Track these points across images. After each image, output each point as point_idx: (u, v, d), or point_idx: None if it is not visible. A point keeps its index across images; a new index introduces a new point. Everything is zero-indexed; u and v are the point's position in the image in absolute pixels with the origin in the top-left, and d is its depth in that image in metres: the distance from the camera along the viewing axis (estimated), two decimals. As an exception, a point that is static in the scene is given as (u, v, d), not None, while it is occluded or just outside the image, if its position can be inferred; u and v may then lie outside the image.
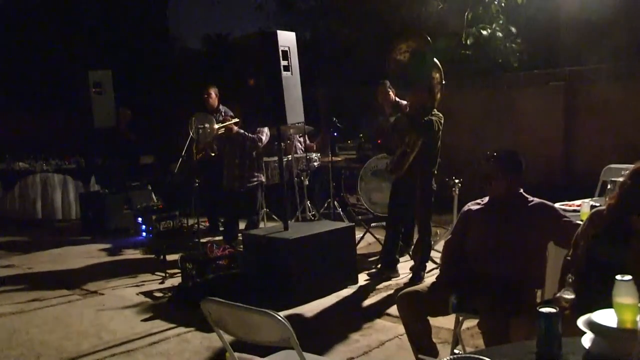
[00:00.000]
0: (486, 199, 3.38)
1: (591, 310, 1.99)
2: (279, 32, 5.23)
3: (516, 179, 3.26)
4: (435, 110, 5.28)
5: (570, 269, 2.72)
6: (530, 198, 3.28)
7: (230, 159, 6.48)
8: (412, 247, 5.89)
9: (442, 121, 5.28)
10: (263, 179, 6.66)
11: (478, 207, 3.38)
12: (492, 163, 3.27)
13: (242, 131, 6.34)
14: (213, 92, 7.50)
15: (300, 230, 5.44)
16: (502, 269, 3.12)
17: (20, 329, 4.75)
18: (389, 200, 5.85)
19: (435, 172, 5.47)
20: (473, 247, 3.29)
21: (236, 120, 6.44)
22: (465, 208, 3.45)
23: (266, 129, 6.42)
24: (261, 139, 6.40)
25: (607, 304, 1.95)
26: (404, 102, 6.23)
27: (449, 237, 3.59)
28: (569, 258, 2.80)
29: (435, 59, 5.23)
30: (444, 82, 5.29)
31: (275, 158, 6.60)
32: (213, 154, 6.87)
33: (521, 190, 3.31)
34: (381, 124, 6.59)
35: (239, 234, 6.53)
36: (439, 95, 5.30)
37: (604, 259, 2.61)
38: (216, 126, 6.30)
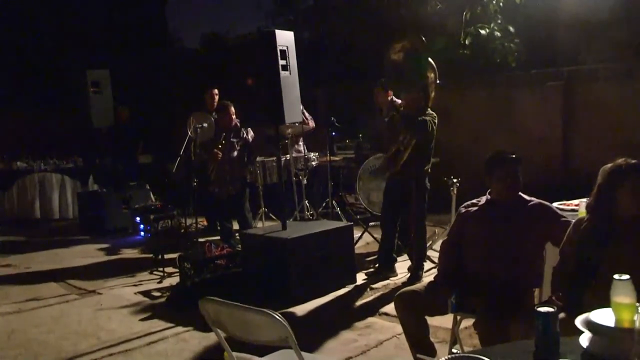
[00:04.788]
0: (483, 199, 3.37)
1: (583, 312, 2.00)
2: (277, 31, 5.23)
3: (488, 179, 3.26)
4: (429, 109, 5.29)
5: (560, 274, 2.76)
6: (529, 198, 3.27)
7: (220, 165, 6.47)
8: (409, 246, 5.90)
9: (436, 121, 5.29)
10: (249, 177, 6.84)
11: (475, 207, 3.37)
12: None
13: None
14: (215, 93, 7.51)
15: (298, 229, 5.44)
16: (500, 269, 3.12)
17: (18, 329, 4.74)
18: (383, 200, 5.87)
19: (429, 170, 5.48)
20: (470, 247, 3.29)
21: (220, 146, 6.42)
22: (463, 208, 3.45)
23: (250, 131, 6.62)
24: (248, 139, 6.54)
25: (599, 305, 1.95)
26: (399, 101, 6.24)
27: (446, 237, 3.59)
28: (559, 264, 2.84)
29: (429, 59, 5.23)
30: (438, 81, 5.30)
31: (273, 158, 6.60)
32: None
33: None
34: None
35: (237, 234, 6.53)
36: (433, 95, 5.30)
37: (591, 261, 2.62)
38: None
